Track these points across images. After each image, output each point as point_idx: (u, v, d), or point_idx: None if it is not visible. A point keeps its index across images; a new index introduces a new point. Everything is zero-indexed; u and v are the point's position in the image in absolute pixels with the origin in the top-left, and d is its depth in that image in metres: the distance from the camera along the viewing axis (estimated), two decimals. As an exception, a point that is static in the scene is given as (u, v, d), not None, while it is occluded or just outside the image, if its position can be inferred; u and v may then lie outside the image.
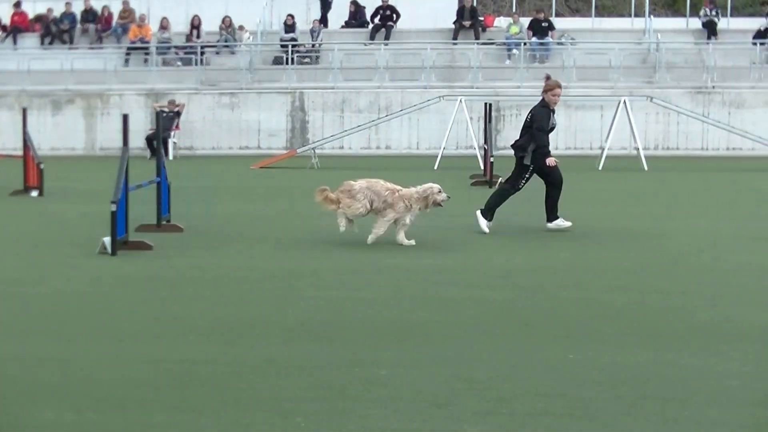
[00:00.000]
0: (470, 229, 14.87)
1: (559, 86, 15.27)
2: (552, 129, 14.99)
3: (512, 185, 15.01)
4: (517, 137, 15.05)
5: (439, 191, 13.71)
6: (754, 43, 34.36)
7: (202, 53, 33.44)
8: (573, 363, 7.53)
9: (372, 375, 7.23)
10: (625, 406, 6.50)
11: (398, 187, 13.71)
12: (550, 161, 14.67)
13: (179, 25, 35.33)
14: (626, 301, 9.84)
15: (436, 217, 16.07)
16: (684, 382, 7.00)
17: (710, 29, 35.49)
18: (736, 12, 38.62)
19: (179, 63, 33.88)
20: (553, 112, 15.16)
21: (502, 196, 15.04)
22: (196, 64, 33.17)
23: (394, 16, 35.48)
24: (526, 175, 14.85)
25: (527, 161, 14.78)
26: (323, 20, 36.00)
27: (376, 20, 35.51)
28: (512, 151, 14.99)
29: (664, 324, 8.82)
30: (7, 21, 36.27)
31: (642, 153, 26.53)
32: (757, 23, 36.61)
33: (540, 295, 10.19)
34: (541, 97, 15.19)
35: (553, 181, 14.83)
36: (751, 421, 6.19)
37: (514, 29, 34.99)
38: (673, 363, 7.51)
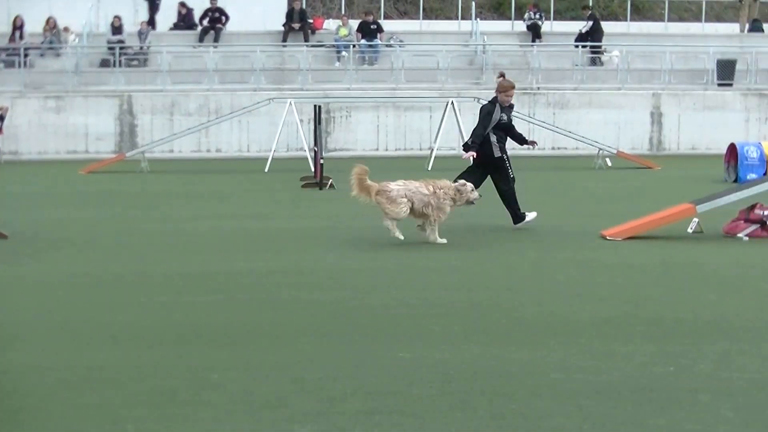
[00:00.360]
0: (294, 232, 15.04)
1: (513, 87, 15.60)
2: (505, 124, 15.21)
3: (507, 182, 15.19)
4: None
5: (472, 190, 13.79)
6: (576, 46, 35.32)
7: (26, 55, 32.69)
8: (403, 361, 7.63)
9: (203, 379, 7.22)
10: (455, 401, 6.62)
11: (432, 181, 13.74)
12: (466, 155, 15.08)
13: (1, 26, 34.56)
14: (454, 299, 10.00)
15: (263, 219, 16.21)
16: (511, 377, 7.17)
17: (534, 32, 36.34)
18: (559, 15, 39.59)
19: (1, 65, 33.09)
20: (511, 107, 15.59)
21: (512, 197, 15.21)
22: (19, 67, 32.30)
23: (223, 18, 35.33)
24: (507, 165, 15.16)
25: (497, 154, 15.07)
26: (151, 22, 35.63)
27: (205, 22, 35.30)
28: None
29: (491, 321, 9.00)
30: None
31: (470, 153, 27.05)
32: (578, 26, 37.69)
33: (371, 295, 10.28)
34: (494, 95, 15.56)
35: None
36: (574, 411, 6.39)
37: (343, 31, 35.21)
38: (500, 358, 7.68)
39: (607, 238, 14.10)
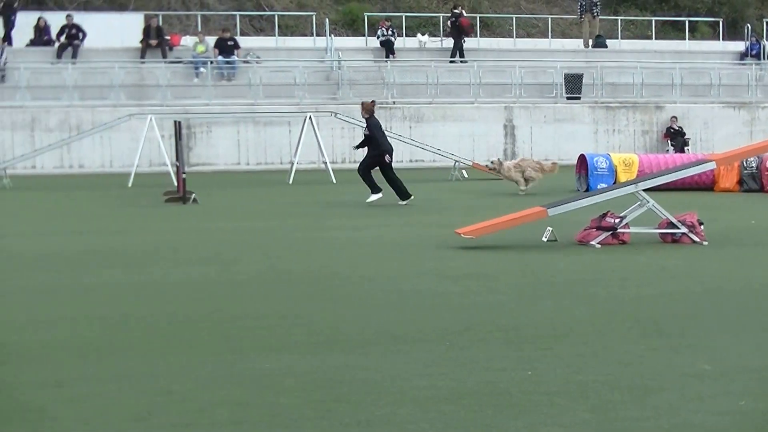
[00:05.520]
0: (164, 246, 15.15)
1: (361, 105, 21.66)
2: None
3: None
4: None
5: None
6: (429, 62, 36.36)
7: None
8: (270, 372, 7.77)
9: (72, 393, 7.27)
10: (321, 410, 6.78)
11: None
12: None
13: None
14: (312, 310, 10.17)
15: (128, 234, 16.53)
16: (374, 384, 7.37)
17: (387, 48, 37.19)
18: (411, 31, 40.48)
19: None
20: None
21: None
22: None
23: (81, 34, 35.26)
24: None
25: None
26: (7, 38, 35.41)
27: (62, 39, 35.27)
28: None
29: (351, 331, 9.21)
30: None
31: (330, 166, 27.75)
32: (433, 43, 38.82)
33: (235, 306, 10.39)
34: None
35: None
36: (438, 416, 6.61)
37: (201, 48, 35.51)
38: (362, 366, 7.90)
39: (462, 236, 14.51)
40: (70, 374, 7.83)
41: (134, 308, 10.48)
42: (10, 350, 8.67)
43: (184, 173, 22.60)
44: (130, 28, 36.73)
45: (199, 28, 38.37)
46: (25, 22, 36.12)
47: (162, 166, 28.04)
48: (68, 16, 36.03)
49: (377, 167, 21.12)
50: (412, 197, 21.15)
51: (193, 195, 21.76)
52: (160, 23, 37.02)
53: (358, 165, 21.77)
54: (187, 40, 37.37)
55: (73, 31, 35.24)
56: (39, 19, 36.13)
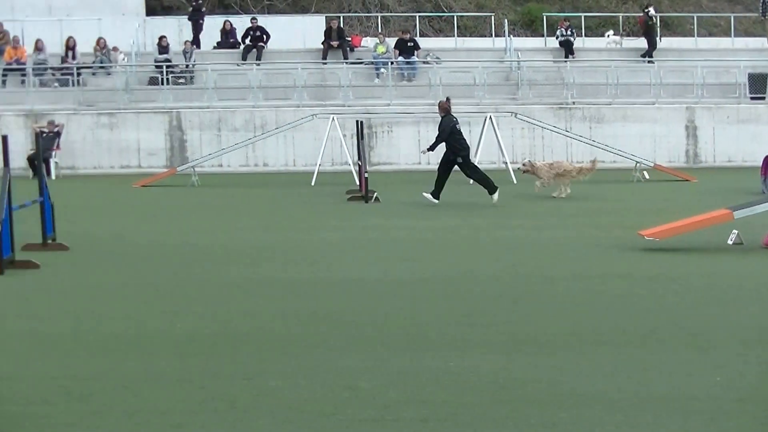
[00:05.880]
0: (346, 243, 15.38)
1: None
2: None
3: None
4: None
5: None
6: (610, 62, 36.03)
7: (79, 74, 33.57)
8: (455, 371, 7.81)
9: (261, 386, 7.46)
10: (506, 411, 6.80)
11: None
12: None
13: (54, 47, 35.20)
14: (498, 310, 10.14)
15: (311, 232, 16.78)
16: (559, 386, 7.35)
17: (567, 48, 36.97)
18: (591, 32, 40.13)
19: (56, 84, 33.88)
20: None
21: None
22: (73, 85, 33.06)
23: (264, 36, 36.01)
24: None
25: None
26: (195, 41, 36.35)
27: (247, 41, 36.02)
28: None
29: (539, 331, 9.12)
30: None
31: (510, 166, 27.74)
32: (615, 44, 38.45)
33: (420, 306, 10.45)
34: None
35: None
36: (624, 420, 6.60)
37: (381, 49, 35.79)
38: (548, 368, 7.85)
39: (645, 237, 14.36)
40: (258, 368, 8.03)
41: (320, 304, 10.68)
42: (203, 342, 8.95)
43: (366, 172, 22.85)
44: (312, 29, 37.32)
45: (380, 29, 38.69)
46: (212, 25, 37.11)
47: (344, 165, 28.37)
48: (253, 19, 36.88)
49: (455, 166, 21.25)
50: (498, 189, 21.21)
51: (375, 194, 22.05)
52: (341, 25, 37.52)
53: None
54: (368, 42, 37.70)
55: (258, 33, 35.98)
56: (225, 22, 37.06)
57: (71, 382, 7.68)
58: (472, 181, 21.82)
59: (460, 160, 21.10)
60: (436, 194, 20.96)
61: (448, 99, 22.31)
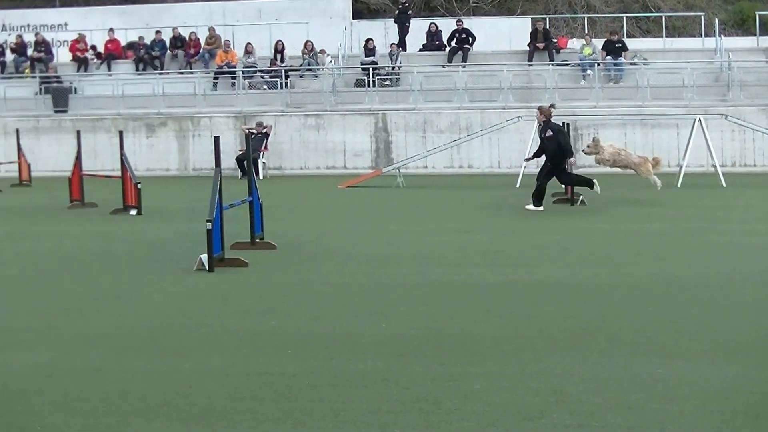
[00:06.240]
0: (551, 246, 15.17)
1: (538, 108, 21.55)
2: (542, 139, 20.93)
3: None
4: None
5: None
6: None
7: (287, 77, 34.39)
8: (663, 378, 7.64)
9: (466, 388, 7.43)
10: (716, 421, 6.62)
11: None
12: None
13: (263, 50, 36.19)
14: (710, 318, 9.91)
15: (516, 234, 16.78)
16: None
17: (781, 48, 35.99)
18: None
19: (265, 86, 34.72)
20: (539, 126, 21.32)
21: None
22: (281, 88, 34.00)
23: (470, 39, 36.11)
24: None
25: None
26: (401, 44, 36.71)
27: (453, 43, 36.17)
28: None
29: (749, 339, 8.87)
30: (101, 49, 37.57)
31: (719, 170, 27.07)
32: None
33: (626, 310, 10.26)
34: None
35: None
36: None
37: (588, 50, 35.44)
38: (760, 380, 7.60)
39: None
40: (462, 370, 8.01)
41: (523, 307, 10.63)
42: (408, 343, 8.98)
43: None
44: (517, 31, 37.27)
45: (586, 31, 38.38)
46: (418, 28, 37.45)
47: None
48: (458, 21, 37.04)
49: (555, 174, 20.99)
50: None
51: (581, 197, 21.87)
52: (547, 26, 37.34)
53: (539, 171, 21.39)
54: (574, 43, 37.46)
55: (463, 35, 36.11)
56: (430, 24, 37.34)
57: (278, 379, 7.82)
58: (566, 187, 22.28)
59: (550, 165, 20.86)
60: (539, 203, 20.81)
61: (552, 105, 21.91)
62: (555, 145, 20.73)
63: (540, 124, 21.37)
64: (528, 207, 20.67)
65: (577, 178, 21.68)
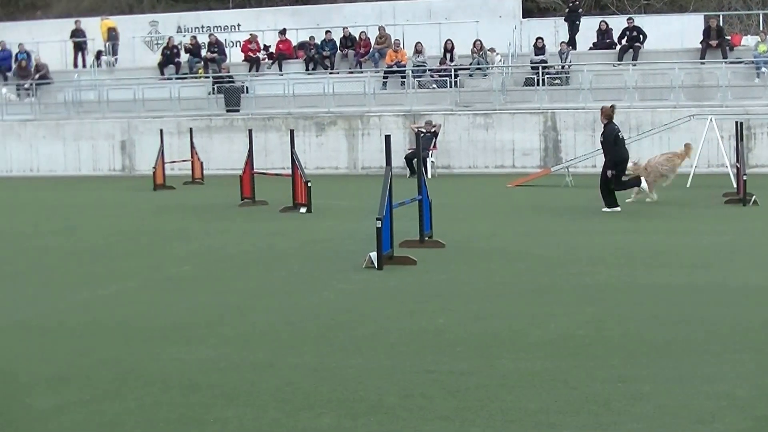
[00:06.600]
0: (724, 248, 14.93)
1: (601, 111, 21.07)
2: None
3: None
4: None
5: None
6: None
7: (456, 76, 34.43)
8: None
9: (635, 390, 7.39)
10: None
11: None
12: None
13: (432, 49, 36.39)
14: None
15: (687, 235, 16.56)
16: None
17: None
18: None
19: (434, 85, 34.92)
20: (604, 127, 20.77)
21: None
22: (450, 86, 34.08)
23: (641, 37, 35.65)
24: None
25: None
26: (571, 42, 36.48)
27: (623, 41, 35.77)
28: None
29: None
30: (273, 49, 38.38)
31: None
32: None
33: None
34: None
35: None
36: None
37: (762, 48, 34.64)
38: None
39: None
40: (631, 371, 7.96)
41: (693, 309, 10.47)
42: (576, 344, 8.95)
43: (745, 175, 22.26)
44: (690, 29, 36.69)
45: (761, 28, 37.57)
46: (588, 26, 37.14)
47: (720, 167, 27.74)
48: (629, 19, 36.56)
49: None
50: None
51: (753, 197, 21.46)
52: (721, 23, 36.65)
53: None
54: (749, 40, 36.69)
55: (635, 33, 35.68)
56: (601, 22, 36.98)
57: (447, 377, 7.90)
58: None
59: (612, 172, 20.39)
60: (614, 203, 20.70)
61: (612, 106, 21.33)
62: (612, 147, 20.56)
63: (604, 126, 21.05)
64: (605, 209, 20.61)
65: (623, 189, 21.37)
